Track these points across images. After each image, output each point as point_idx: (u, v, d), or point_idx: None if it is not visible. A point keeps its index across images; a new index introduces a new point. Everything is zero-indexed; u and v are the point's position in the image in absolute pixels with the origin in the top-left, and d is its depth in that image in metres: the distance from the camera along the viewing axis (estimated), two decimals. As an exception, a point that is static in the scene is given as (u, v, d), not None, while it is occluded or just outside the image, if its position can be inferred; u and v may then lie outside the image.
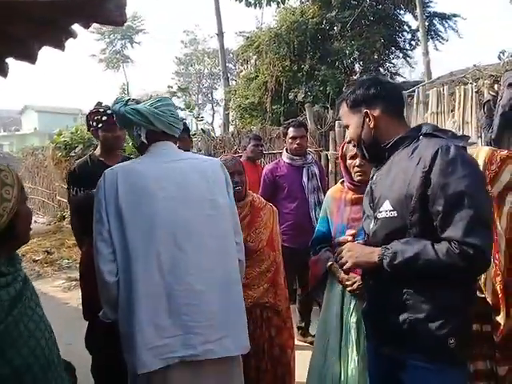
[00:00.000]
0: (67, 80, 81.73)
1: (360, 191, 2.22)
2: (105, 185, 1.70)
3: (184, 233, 1.65)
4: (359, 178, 2.27)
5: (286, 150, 3.80)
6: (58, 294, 5.48)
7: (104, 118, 2.77)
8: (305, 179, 3.66)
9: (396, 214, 1.54)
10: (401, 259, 1.47)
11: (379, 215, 1.60)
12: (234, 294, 1.73)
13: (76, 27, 1.83)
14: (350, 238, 1.72)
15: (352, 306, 2.24)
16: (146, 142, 1.79)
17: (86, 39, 36.46)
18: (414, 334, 1.54)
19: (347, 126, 1.75)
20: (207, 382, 1.70)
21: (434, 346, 1.50)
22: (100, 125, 2.79)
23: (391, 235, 1.55)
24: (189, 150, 3.41)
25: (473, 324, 2.16)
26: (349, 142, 2.34)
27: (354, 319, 2.21)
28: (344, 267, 1.66)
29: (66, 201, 10.32)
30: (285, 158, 3.79)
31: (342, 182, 2.45)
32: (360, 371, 2.14)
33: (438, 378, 1.52)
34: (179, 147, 3.19)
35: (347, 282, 2.19)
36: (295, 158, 3.69)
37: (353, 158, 2.26)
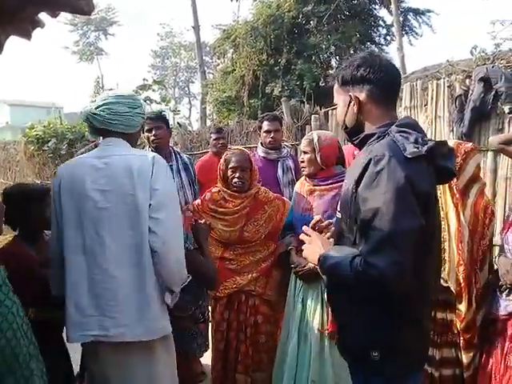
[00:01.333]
0: (40, 73, 79.79)
1: (313, 183, 2.40)
2: (54, 181, 1.91)
3: (105, 223, 1.81)
4: (304, 172, 2.54)
5: (261, 143, 3.79)
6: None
7: None
8: (280, 173, 3.64)
9: (341, 216, 1.52)
10: (325, 266, 1.44)
11: (337, 213, 1.60)
12: (147, 284, 1.81)
13: (43, 16, 1.77)
14: (315, 221, 1.80)
15: (299, 287, 2.47)
16: (91, 138, 2.00)
17: (59, 30, 35.64)
18: (343, 341, 1.58)
19: (337, 105, 1.62)
20: (131, 362, 1.83)
21: (359, 357, 1.49)
22: None
23: (337, 236, 1.56)
24: (167, 143, 3.38)
25: (437, 313, 2.26)
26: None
27: (300, 299, 2.43)
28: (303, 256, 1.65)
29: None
30: (259, 151, 3.78)
31: None
32: (298, 347, 2.36)
33: None
34: (157, 139, 3.14)
35: (294, 266, 2.45)
36: (270, 151, 3.67)
37: (304, 153, 2.42)
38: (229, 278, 2.56)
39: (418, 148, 1.37)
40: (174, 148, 3.59)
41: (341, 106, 1.57)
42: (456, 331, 2.24)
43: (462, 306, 2.19)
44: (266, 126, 3.69)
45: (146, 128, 3.32)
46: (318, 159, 2.44)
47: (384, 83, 1.49)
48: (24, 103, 33.40)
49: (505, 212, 3.69)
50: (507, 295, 2.13)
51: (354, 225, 1.43)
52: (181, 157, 3.43)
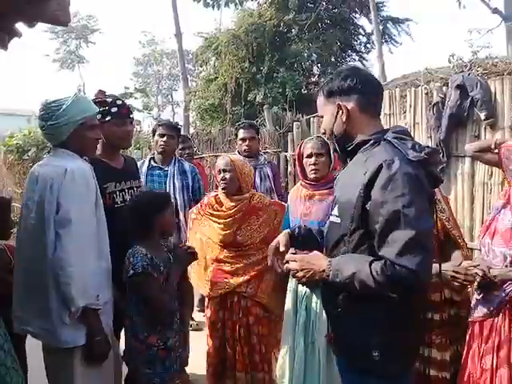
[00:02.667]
0: (20, 81, 78.65)
1: (313, 188, 2.41)
2: None
3: (21, 229, 1.98)
4: (313, 175, 2.48)
5: (238, 152, 3.79)
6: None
7: (113, 109, 2.35)
8: (257, 181, 3.65)
9: (339, 221, 1.54)
10: (341, 278, 1.44)
11: (331, 218, 1.62)
12: (49, 294, 1.88)
13: (20, 26, 1.77)
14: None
15: (301, 294, 2.45)
16: None
17: (39, 38, 35.23)
18: (341, 342, 1.59)
19: (322, 117, 1.66)
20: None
21: (359, 357, 1.51)
22: (108, 117, 2.34)
23: (335, 240, 1.56)
24: (173, 150, 3.58)
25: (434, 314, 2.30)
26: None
27: (303, 306, 2.41)
28: (302, 281, 1.64)
29: (19, 206, 9.91)
30: None
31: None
32: (306, 355, 2.35)
33: None
34: (165, 146, 3.45)
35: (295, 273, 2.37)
36: (246, 159, 3.58)
37: (309, 156, 2.42)
38: (221, 279, 2.68)
39: (418, 153, 1.43)
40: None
41: (328, 117, 1.61)
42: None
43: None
44: (241, 133, 3.72)
45: (158, 132, 3.50)
46: (332, 162, 2.49)
47: (370, 93, 1.56)
48: (3, 111, 32.84)
49: (483, 216, 3.77)
50: (483, 297, 2.17)
51: (357, 229, 1.46)
52: (181, 163, 3.54)
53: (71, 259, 1.83)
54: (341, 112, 1.55)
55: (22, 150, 9.13)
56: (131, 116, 2.46)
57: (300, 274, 1.59)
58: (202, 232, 2.81)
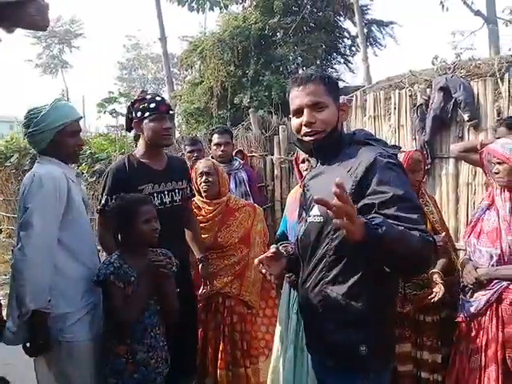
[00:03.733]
0: (1, 86, 77.57)
1: None
2: None
3: None
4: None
5: (212, 157, 3.73)
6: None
7: (152, 105, 2.28)
8: (232, 186, 3.56)
9: (321, 220, 1.53)
10: (390, 232, 1.26)
11: (309, 219, 1.61)
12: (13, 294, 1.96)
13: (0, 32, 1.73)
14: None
15: (293, 297, 2.47)
16: None
17: (21, 43, 34.82)
18: (325, 341, 1.58)
19: (316, 104, 1.52)
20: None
21: (345, 353, 1.51)
22: (147, 114, 2.28)
23: (317, 239, 1.55)
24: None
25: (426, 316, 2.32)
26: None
27: (295, 310, 2.42)
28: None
29: (2, 213, 9.76)
30: None
31: None
32: (294, 360, 2.35)
33: None
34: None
35: (289, 276, 2.34)
36: (220, 165, 3.60)
37: (302, 162, 2.43)
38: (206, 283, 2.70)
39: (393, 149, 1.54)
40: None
41: (332, 110, 1.54)
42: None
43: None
44: (215, 138, 3.67)
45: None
46: None
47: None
48: (-15, 117, 32.33)
49: (467, 216, 3.81)
50: (470, 296, 2.19)
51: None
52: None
53: (28, 262, 1.87)
54: (341, 112, 1.57)
55: (5, 156, 8.97)
56: (171, 112, 2.41)
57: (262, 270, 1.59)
58: None
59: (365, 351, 1.46)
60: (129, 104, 2.45)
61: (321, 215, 1.54)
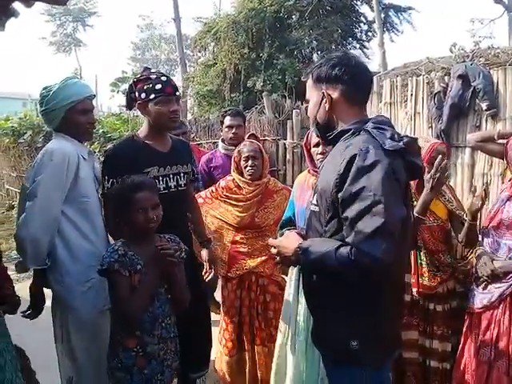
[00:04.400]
0: (15, 63, 77.81)
1: None
2: None
3: None
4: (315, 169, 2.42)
5: (222, 139, 3.67)
6: (7, 286, 5.23)
7: (158, 86, 2.14)
8: None
9: (317, 209, 1.54)
10: (309, 259, 1.46)
11: (311, 207, 1.62)
12: None
13: (18, 6, 1.72)
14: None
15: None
16: None
17: (36, 21, 34.74)
18: (321, 332, 1.59)
19: (308, 101, 1.65)
20: None
21: (337, 348, 1.51)
22: (152, 96, 2.15)
23: (313, 229, 1.57)
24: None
25: (436, 305, 2.32)
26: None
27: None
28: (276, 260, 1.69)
29: (15, 189, 9.87)
30: (220, 148, 3.66)
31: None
32: (307, 344, 2.29)
33: (343, 379, 1.53)
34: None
35: None
36: (230, 148, 3.52)
37: (316, 145, 2.40)
38: (240, 261, 2.79)
39: (395, 142, 1.43)
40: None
41: (313, 102, 1.61)
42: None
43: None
44: (228, 121, 3.58)
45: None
46: None
47: (357, 84, 1.54)
48: (-1, 94, 32.49)
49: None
50: (483, 288, 2.16)
51: (333, 218, 1.46)
52: None
53: (30, 231, 1.98)
54: (324, 100, 1.54)
55: (18, 133, 9.04)
56: (177, 94, 2.28)
57: (278, 259, 1.65)
58: (214, 215, 2.88)
59: (356, 346, 1.45)
60: (130, 82, 2.30)
61: (317, 204, 1.56)
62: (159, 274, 1.90)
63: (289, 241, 1.60)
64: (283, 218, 2.64)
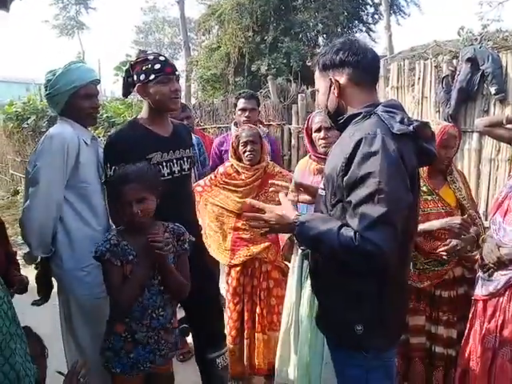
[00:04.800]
0: (19, 48, 77.35)
1: (324, 162, 2.33)
2: None
3: None
4: (324, 149, 2.39)
5: (235, 123, 3.60)
6: (13, 271, 5.29)
7: (157, 65, 2.08)
8: None
9: (324, 193, 1.53)
10: (305, 233, 1.44)
11: (319, 191, 1.60)
12: None
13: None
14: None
15: (306, 269, 2.40)
16: None
17: (38, 3, 34.44)
18: (326, 316, 1.59)
19: (318, 90, 1.65)
20: None
21: (343, 332, 1.51)
22: (152, 76, 2.07)
23: (321, 211, 1.54)
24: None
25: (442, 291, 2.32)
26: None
27: (308, 281, 2.35)
28: (259, 231, 1.66)
29: (19, 174, 9.91)
30: (233, 131, 3.60)
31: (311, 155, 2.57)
32: (311, 329, 2.31)
33: (347, 362, 1.54)
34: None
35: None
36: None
37: (318, 130, 2.38)
38: (243, 247, 2.76)
39: (405, 126, 1.40)
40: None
41: (322, 91, 1.59)
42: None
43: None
44: (241, 103, 3.50)
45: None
46: None
47: (363, 66, 1.51)
48: (2, 79, 32.40)
49: (489, 192, 3.73)
50: (490, 275, 2.14)
51: (339, 202, 1.44)
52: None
53: (34, 217, 2.01)
54: (333, 87, 1.52)
55: (22, 118, 9.02)
56: (177, 73, 2.19)
57: (265, 226, 1.59)
58: (214, 203, 2.85)
59: (361, 330, 1.44)
60: (127, 66, 2.21)
61: (324, 188, 1.54)
62: (150, 264, 1.88)
63: (285, 209, 1.56)
64: None
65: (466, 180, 2.46)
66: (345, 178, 1.39)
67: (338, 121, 1.57)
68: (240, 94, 3.62)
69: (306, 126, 2.53)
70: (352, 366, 1.53)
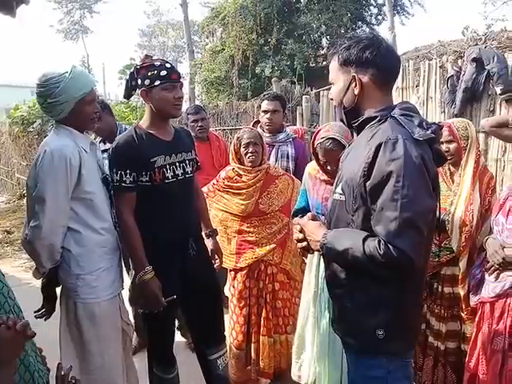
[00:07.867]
0: (24, 52, 77.85)
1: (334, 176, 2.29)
2: None
3: None
4: (328, 175, 2.37)
5: (261, 126, 3.42)
6: (19, 274, 5.32)
7: (163, 72, 2.11)
8: (272, 159, 3.27)
9: (344, 199, 1.50)
10: (333, 251, 1.45)
11: (334, 196, 1.57)
12: None
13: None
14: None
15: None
16: None
17: (43, 8, 34.66)
18: (345, 321, 1.56)
19: (332, 80, 1.56)
20: None
21: (361, 335, 1.49)
22: (157, 82, 2.10)
23: (339, 218, 1.53)
24: (112, 127, 3.14)
25: (444, 287, 2.31)
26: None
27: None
28: (298, 245, 1.65)
29: (25, 178, 9.95)
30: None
31: None
32: (329, 328, 2.28)
33: (367, 366, 1.51)
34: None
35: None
36: (265, 135, 3.29)
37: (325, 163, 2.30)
38: (248, 250, 2.76)
39: (425, 131, 1.38)
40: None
41: (340, 86, 1.52)
42: (461, 305, 2.30)
43: (462, 264, 2.27)
44: (264, 105, 3.36)
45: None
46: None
47: (387, 68, 1.47)
48: (8, 83, 32.60)
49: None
50: (495, 277, 2.13)
51: (361, 207, 1.42)
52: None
53: (41, 232, 1.98)
54: (354, 84, 1.47)
55: (27, 122, 9.06)
56: (181, 80, 2.24)
57: (302, 243, 1.61)
58: (217, 207, 2.86)
59: (382, 335, 1.43)
60: (132, 69, 2.21)
61: (343, 193, 1.51)
62: None
63: (314, 227, 1.58)
64: (296, 206, 2.60)
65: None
66: (367, 183, 1.37)
67: (351, 118, 1.54)
68: (265, 94, 3.50)
69: (312, 150, 2.42)
70: (374, 370, 1.50)
